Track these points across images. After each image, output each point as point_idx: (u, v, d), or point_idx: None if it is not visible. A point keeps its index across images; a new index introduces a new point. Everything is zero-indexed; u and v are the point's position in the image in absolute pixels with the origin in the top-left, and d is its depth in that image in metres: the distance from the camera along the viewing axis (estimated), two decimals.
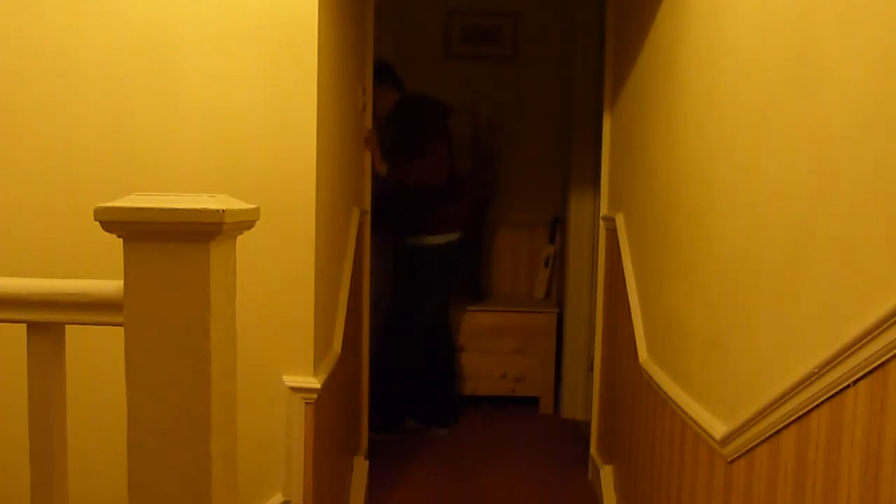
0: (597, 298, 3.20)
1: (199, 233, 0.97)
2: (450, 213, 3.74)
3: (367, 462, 3.20)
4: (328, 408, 2.34)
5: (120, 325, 1.01)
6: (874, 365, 1.08)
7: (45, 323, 1.06)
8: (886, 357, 1.06)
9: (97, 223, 0.98)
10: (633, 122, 2.68)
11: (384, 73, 3.53)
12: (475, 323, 4.09)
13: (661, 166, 2.27)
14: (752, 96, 1.58)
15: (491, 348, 4.09)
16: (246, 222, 1.05)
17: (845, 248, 1.20)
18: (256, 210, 1.08)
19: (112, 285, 1.03)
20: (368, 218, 3.15)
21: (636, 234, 2.60)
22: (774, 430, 1.41)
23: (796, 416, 1.32)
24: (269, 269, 2.08)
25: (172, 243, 0.98)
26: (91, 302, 1.04)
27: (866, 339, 1.09)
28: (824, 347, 1.20)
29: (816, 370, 1.22)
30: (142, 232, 0.98)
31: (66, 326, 1.08)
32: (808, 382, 1.26)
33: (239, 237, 1.08)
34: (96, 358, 1.65)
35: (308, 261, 2.12)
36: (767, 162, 1.49)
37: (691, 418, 1.83)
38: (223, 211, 0.96)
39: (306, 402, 2.13)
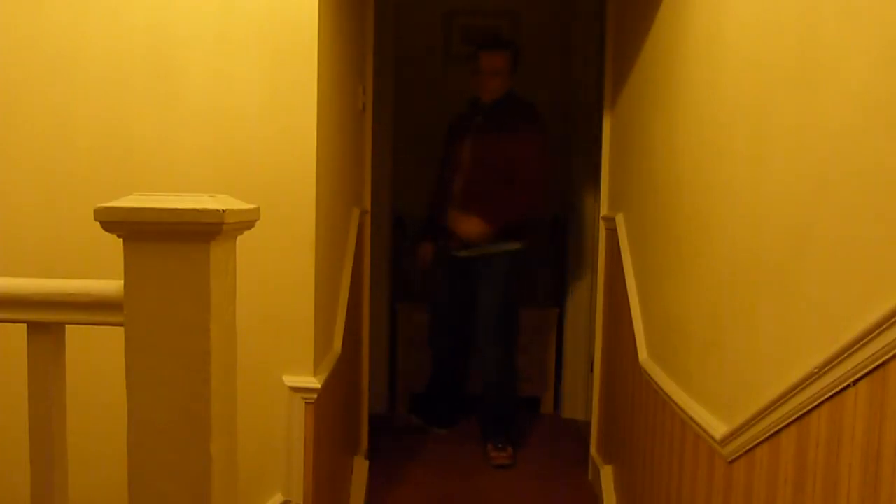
0: (597, 298, 3.20)
1: (200, 233, 0.97)
2: None
3: (367, 462, 3.20)
4: (328, 408, 2.34)
5: (120, 325, 1.01)
6: (874, 365, 1.08)
7: (45, 323, 1.06)
8: (886, 357, 1.06)
9: (97, 223, 0.98)
10: (633, 122, 2.68)
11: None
12: None
13: (661, 166, 2.27)
14: (752, 96, 1.58)
15: None
16: (246, 222, 1.05)
17: (845, 247, 1.20)
18: (256, 210, 1.08)
19: (112, 285, 1.03)
20: (368, 218, 3.15)
21: (636, 234, 2.60)
22: (774, 430, 1.41)
23: (796, 416, 1.32)
24: (269, 269, 2.08)
25: (172, 243, 0.98)
26: (91, 302, 1.04)
27: (866, 339, 1.09)
28: (824, 347, 1.20)
29: (816, 370, 1.22)
30: (142, 232, 0.98)
31: (66, 326, 1.08)
32: (808, 382, 1.26)
33: (239, 237, 1.08)
34: (96, 358, 1.65)
35: (308, 261, 2.12)
36: (767, 161, 1.49)
37: (691, 418, 1.83)
38: (223, 211, 0.96)
39: (306, 402, 2.13)
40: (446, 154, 3.62)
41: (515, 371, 3.64)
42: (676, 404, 1.96)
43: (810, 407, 1.27)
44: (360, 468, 3.10)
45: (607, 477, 2.92)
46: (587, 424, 3.32)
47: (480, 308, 3.51)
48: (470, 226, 3.41)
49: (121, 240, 1.00)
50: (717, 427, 1.67)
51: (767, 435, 1.43)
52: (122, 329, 1.01)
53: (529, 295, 4.11)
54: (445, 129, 3.67)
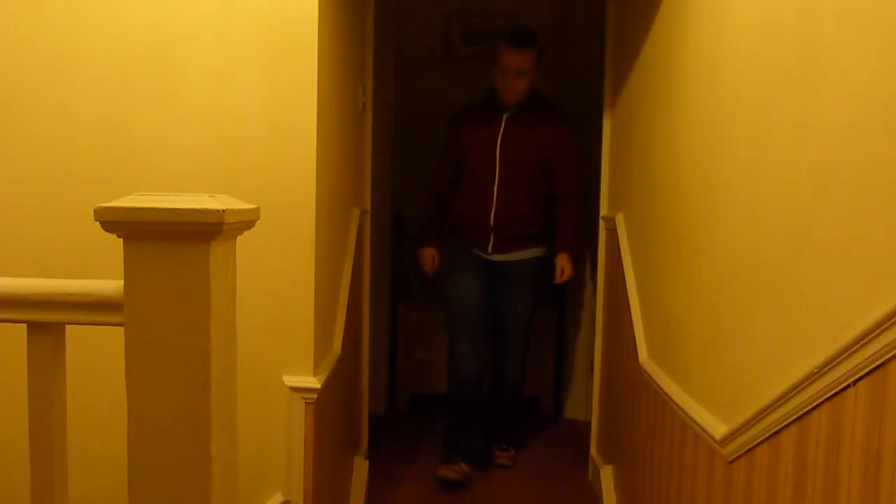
0: (597, 298, 3.20)
1: (200, 233, 0.97)
2: None
3: (367, 462, 3.20)
4: (328, 408, 2.34)
5: (120, 325, 1.01)
6: (874, 365, 1.08)
7: (45, 323, 1.06)
8: (886, 357, 1.06)
9: (97, 223, 0.98)
10: (633, 121, 2.68)
11: None
12: None
13: (661, 166, 2.27)
14: (752, 96, 1.58)
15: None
16: (246, 222, 1.05)
17: (845, 247, 1.20)
18: (256, 210, 1.08)
19: (112, 285, 1.03)
20: (369, 218, 3.15)
21: (636, 234, 2.60)
22: (774, 429, 1.41)
23: (796, 416, 1.32)
24: (269, 269, 2.08)
25: (172, 243, 0.98)
26: (91, 302, 1.04)
27: (866, 339, 1.09)
28: (824, 347, 1.20)
29: (816, 370, 1.22)
30: (142, 232, 0.98)
31: (66, 326, 1.08)
32: (808, 382, 1.26)
33: (239, 237, 1.08)
34: (96, 358, 1.65)
35: (308, 261, 2.12)
36: (767, 162, 1.49)
37: (691, 418, 1.83)
38: (223, 211, 0.96)
39: (306, 402, 2.13)
40: (455, 150, 3.31)
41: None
42: (676, 404, 1.96)
43: (810, 407, 1.27)
44: (360, 468, 3.10)
45: (607, 477, 2.92)
46: (587, 424, 3.32)
47: (510, 317, 3.33)
48: (570, 266, 3.27)
49: (121, 240, 1.00)
50: (717, 427, 1.67)
51: (767, 435, 1.43)
52: (122, 329, 1.01)
53: None
54: (450, 122, 3.39)
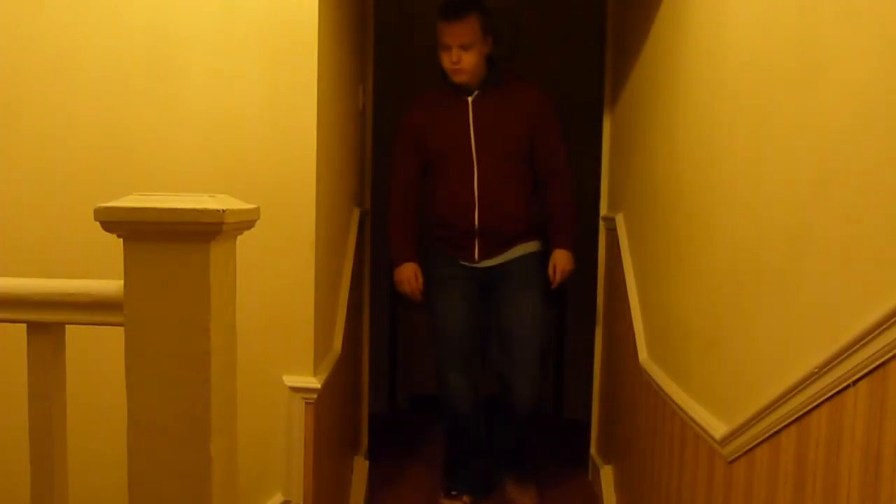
0: (597, 298, 3.20)
1: (200, 233, 0.97)
2: None
3: (367, 462, 3.20)
4: (328, 408, 2.34)
5: (120, 325, 1.01)
6: (874, 365, 1.08)
7: (45, 323, 1.06)
8: (886, 357, 1.06)
9: (97, 223, 0.98)
10: (633, 122, 2.68)
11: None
12: None
13: (661, 166, 2.27)
14: (752, 95, 1.58)
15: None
16: (246, 222, 1.05)
17: (845, 247, 1.20)
18: (256, 210, 1.08)
19: (112, 285, 1.03)
20: (369, 218, 3.15)
21: (636, 234, 2.60)
22: (774, 429, 1.41)
23: (796, 416, 1.32)
24: (270, 269, 2.08)
25: (172, 243, 0.98)
26: (91, 302, 1.04)
27: (866, 339, 1.09)
28: (824, 347, 1.20)
29: (816, 370, 1.22)
30: (142, 232, 0.98)
31: (66, 326, 1.08)
32: (808, 382, 1.26)
33: (239, 237, 1.08)
34: (96, 358, 1.65)
35: (308, 261, 2.12)
36: (767, 161, 1.49)
37: (691, 418, 1.83)
38: (223, 211, 0.96)
39: (306, 402, 2.13)
40: (416, 152, 2.85)
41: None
42: (676, 404, 1.96)
43: (810, 407, 1.27)
44: (360, 468, 3.10)
45: (607, 477, 2.92)
46: (587, 424, 3.32)
47: (514, 335, 2.82)
48: (569, 263, 2.84)
49: (121, 240, 1.00)
50: (717, 427, 1.67)
51: (767, 435, 1.43)
52: (122, 329, 1.01)
53: None
54: (404, 118, 2.90)
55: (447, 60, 2.73)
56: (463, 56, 2.70)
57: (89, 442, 1.78)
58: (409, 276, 2.86)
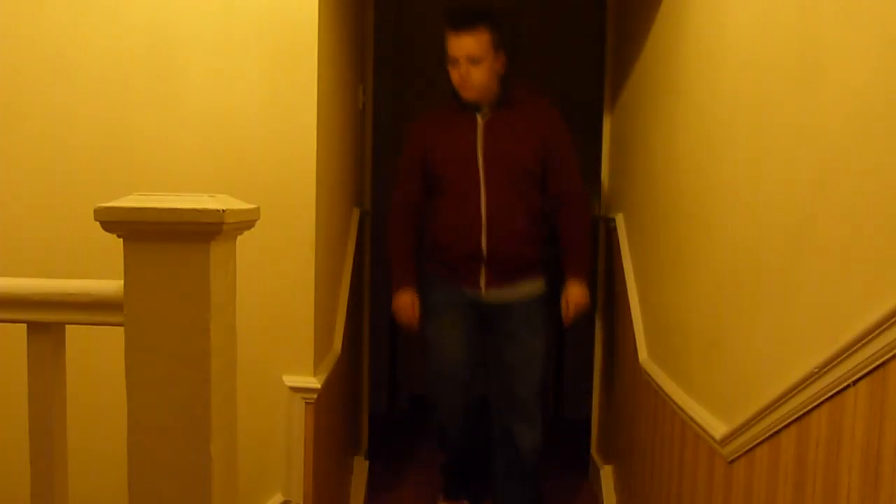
0: (597, 298, 3.20)
1: (200, 233, 0.97)
2: None
3: (367, 462, 3.20)
4: (328, 408, 2.34)
5: (120, 325, 1.01)
6: (874, 365, 1.08)
7: (45, 323, 1.06)
8: (886, 357, 1.06)
9: (97, 223, 0.98)
10: (633, 122, 2.68)
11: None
12: None
13: (662, 166, 2.27)
14: (752, 96, 1.58)
15: None
16: (246, 222, 1.06)
17: (845, 247, 1.20)
18: (256, 210, 1.08)
19: (112, 285, 1.03)
20: (369, 218, 3.15)
21: (636, 234, 2.60)
22: (774, 430, 1.41)
23: (796, 416, 1.32)
24: (270, 269, 2.08)
25: (172, 243, 0.98)
26: (91, 302, 1.04)
27: (866, 339, 1.09)
28: (824, 347, 1.20)
29: (816, 370, 1.22)
30: (142, 232, 0.98)
31: (66, 326, 1.08)
32: (808, 382, 1.26)
33: (239, 237, 1.08)
34: (96, 358, 1.66)
35: (308, 261, 2.12)
36: (767, 162, 1.49)
37: (691, 418, 1.83)
38: (223, 211, 0.96)
39: (306, 402, 2.13)
40: (421, 168, 2.68)
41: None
42: (676, 404, 1.96)
43: (810, 407, 1.27)
44: (360, 468, 3.10)
45: (607, 477, 2.92)
46: (587, 424, 3.32)
47: (515, 377, 2.65)
48: (584, 297, 2.66)
49: (121, 240, 1.00)
50: (717, 427, 1.67)
51: (767, 435, 1.43)
52: (122, 329, 1.01)
53: None
54: (410, 134, 2.75)
55: (455, 75, 2.56)
56: (472, 70, 2.52)
57: (89, 442, 1.78)
58: (406, 303, 2.69)
